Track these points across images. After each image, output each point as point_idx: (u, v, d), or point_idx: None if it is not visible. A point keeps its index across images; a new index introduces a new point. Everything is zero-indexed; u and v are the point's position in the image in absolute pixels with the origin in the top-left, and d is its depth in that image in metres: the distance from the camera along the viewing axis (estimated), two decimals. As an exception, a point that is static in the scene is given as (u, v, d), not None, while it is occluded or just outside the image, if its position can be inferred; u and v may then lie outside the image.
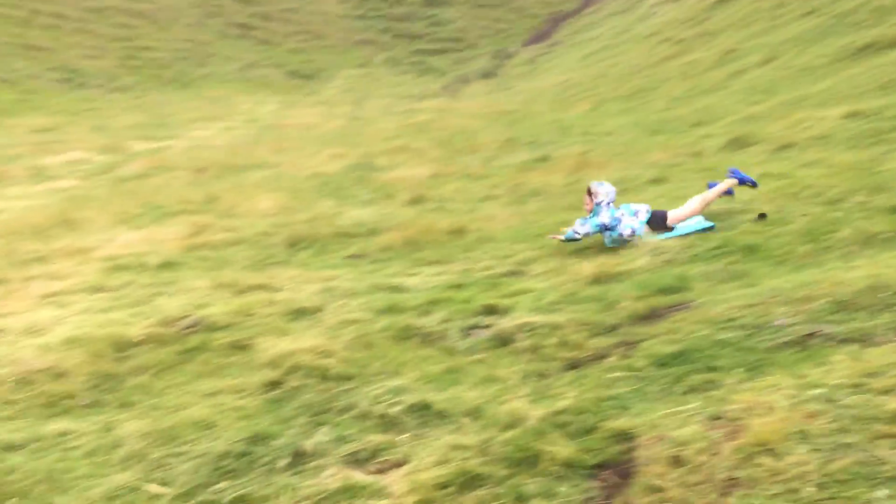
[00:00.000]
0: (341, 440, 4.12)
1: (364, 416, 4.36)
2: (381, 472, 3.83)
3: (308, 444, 4.04)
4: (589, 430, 3.76)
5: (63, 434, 4.62)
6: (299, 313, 6.20)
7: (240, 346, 5.64)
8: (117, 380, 5.41)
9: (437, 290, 6.47)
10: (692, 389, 3.87)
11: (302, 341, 5.41)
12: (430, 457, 3.81)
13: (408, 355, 5.13)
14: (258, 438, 4.14)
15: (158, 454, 4.15)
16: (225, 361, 5.43)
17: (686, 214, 7.01)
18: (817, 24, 17.89)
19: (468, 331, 5.35)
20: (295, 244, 8.71)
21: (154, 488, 3.84)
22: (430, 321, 5.58)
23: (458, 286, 6.49)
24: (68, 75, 32.63)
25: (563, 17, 44.46)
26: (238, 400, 4.75)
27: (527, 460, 3.60)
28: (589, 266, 6.03)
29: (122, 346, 5.90)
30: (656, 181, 9.04)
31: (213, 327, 6.06)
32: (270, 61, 38.20)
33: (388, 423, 4.25)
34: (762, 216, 6.63)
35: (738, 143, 10.12)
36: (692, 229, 6.68)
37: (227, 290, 7.18)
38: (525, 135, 15.20)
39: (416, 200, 10.46)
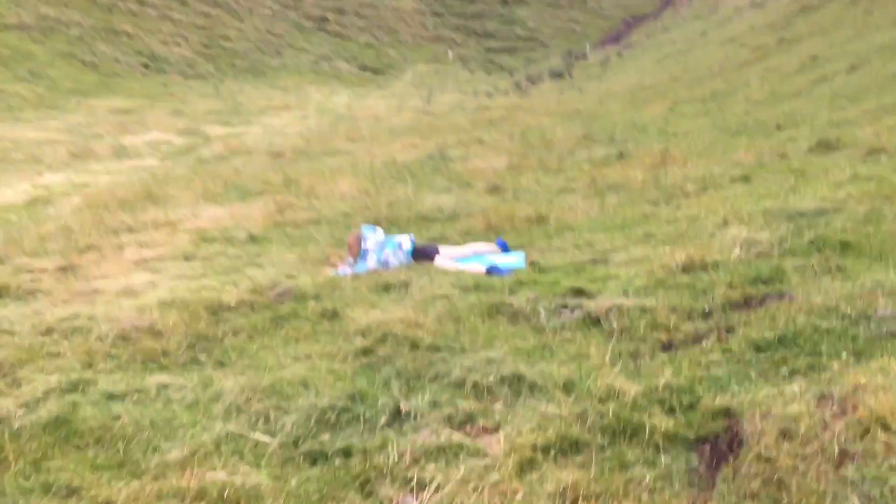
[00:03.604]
0: (436, 405, 4.19)
1: (457, 384, 4.41)
2: (477, 435, 3.89)
3: (405, 406, 4.13)
4: (689, 407, 3.76)
5: (163, 387, 4.77)
6: (387, 287, 6.30)
7: (330, 315, 5.76)
8: (212, 341, 5.56)
9: (522, 272, 6.52)
10: (795, 372, 3.84)
11: (391, 313, 5.51)
12: (526, 423, 3.86)
13: (497, 330, 5.18)
14: (357, 397, 4.24)
15: (260, 407, 4.28)
16: (317, 328, 5.56)
17: (461, 254, 7.35)
18: (908, 32, 17.35)
19: (557, 310, 5.37)
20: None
21: (259, 437, 3.97)
22: (518, 300, 5.62)
23: (543, 270, 6.52)
24: (148, 60, 33.57)
25: (638, 21, 44.01)
26: (332, 364, 4.86)
27: (626, 431, 3.63)
28: (678, 255, 5.99)
29: (216, 310, 6.07)
30: (742, 179, 8.90)
31: (303, 296, 6.20)
32: (343, 54, 38.69)
33: (481, 392, 4.30)
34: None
35: (826, 147, 9.88)
36: (510, 266, 6.82)
37: (314, 263, 7.35)
38: (600, 132, 15.09)
39: (493, 190, 10.50)
